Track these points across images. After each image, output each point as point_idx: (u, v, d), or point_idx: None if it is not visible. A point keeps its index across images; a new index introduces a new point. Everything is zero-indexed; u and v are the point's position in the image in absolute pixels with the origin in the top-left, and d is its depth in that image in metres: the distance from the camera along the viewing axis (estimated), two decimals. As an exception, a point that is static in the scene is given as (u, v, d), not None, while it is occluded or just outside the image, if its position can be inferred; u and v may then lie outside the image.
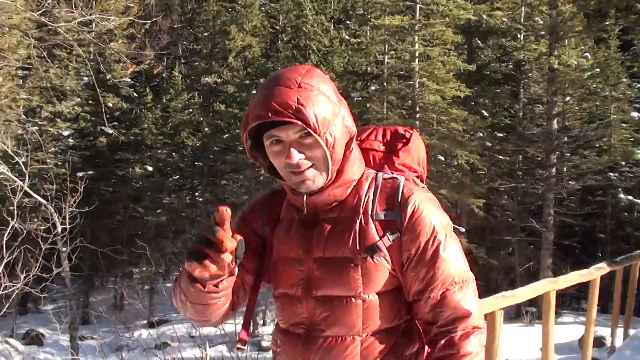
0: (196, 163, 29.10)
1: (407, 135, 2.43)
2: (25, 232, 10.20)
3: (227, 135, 26.61)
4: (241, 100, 26.18)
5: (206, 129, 28.42)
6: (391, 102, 21.64)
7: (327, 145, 2.04)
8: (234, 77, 27.31)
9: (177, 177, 29.44)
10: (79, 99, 27.56)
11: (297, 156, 2.04)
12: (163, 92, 31.19)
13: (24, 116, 24.30)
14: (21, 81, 26.34)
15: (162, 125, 29.04)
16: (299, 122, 1.98)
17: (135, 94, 29.46)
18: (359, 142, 2.36)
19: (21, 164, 15.90)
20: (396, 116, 21.07)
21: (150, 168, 28.25)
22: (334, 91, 2.10)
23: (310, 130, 1.99)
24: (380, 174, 2.25)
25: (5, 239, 8.18)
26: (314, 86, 2.03)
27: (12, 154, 16.74)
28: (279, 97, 1.98)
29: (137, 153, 28.44)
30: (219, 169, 27.40)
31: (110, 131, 26.40)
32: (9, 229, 8.61)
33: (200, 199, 29.09)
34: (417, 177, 2.41)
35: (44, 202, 16.82)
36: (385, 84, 21.75)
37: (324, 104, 2.02)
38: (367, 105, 21.98)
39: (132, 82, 30.44)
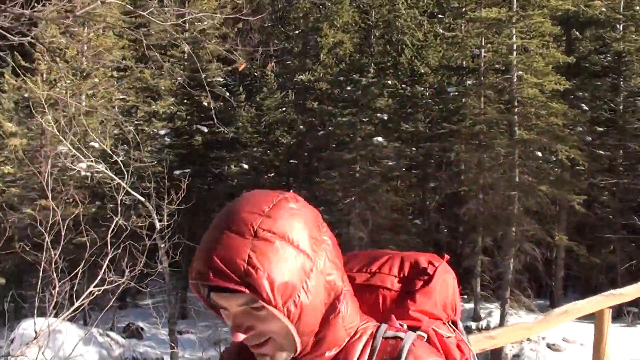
0: (291, 161, 29.27)
1: (430, 270, 1.71)
2: (128, 229, 10.42)
3: (321, 132, 26.70)
4: (335, 97, 26.22)
5: (301, 126, 28.58)
6: (488, 96, 21.42)
7: (289, 318, 1.45)
8: (326, 74, 27.39)
9: (272, 174, 29.63)
10: (174, 99, 28.11)
11: (241, 336, 1.47)
12: (256, 91, 31.50)
13: (120, 116, 24.92)
14: (117, 82, 27.03)
15: (257, 124, 29.35)
16: (247, 291, 1.40)
17: (228, 93, 29.87)
18: (369, 276, 1.73)
19: (120, 162, 16.26)
20: (494, 111, 20.83)
21: (245, 166, 28.60)
22: (310, 232, 1.48)
23: (262, 302, 1.41)
24: (382, 328, 1.59)
25: (109, 236, 8.38)
26: (277, 233, 1.43)
27: (111, 153, 17.17)
28: (224, 250, 1.41)
29: (233, 151, 28.84)
30: (314, 167, 27.56)
31: (206, 130, 26.86)
32: (112, 226, 8.82)
33: (296, 197, 29.20)
34: (445, 323, 1.71)
35: (143, 199, 17.19)
36: (482, 77, 21.54)
37: (288, 261, 1.43)
38: (464, 100, 21.82)
39: (225, 81, 30.87)
